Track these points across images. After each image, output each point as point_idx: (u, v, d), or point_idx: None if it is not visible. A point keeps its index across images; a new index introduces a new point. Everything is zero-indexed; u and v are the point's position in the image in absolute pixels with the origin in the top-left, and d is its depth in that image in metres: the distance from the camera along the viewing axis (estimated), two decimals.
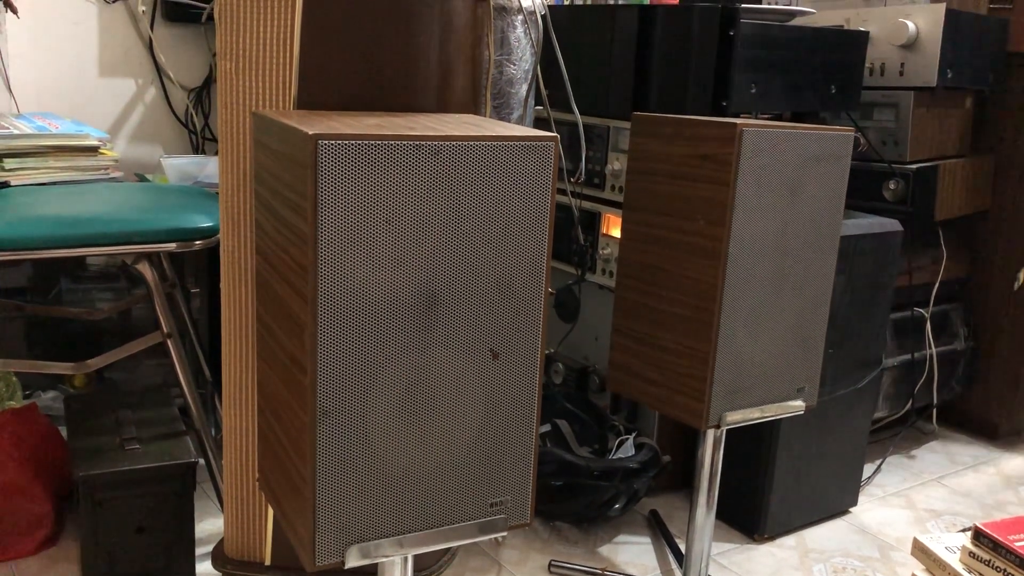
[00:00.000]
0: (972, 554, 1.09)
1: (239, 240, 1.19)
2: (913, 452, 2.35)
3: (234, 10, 1.11)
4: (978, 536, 1.09)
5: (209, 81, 2.38)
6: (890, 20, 2.07)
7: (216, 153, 2.39)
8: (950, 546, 1.11)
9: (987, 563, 1.07)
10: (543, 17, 1.49)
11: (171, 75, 2.33)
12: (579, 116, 1.84)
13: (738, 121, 1.33)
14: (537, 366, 1.03)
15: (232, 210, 1.18)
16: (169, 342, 1.62)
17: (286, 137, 0.93)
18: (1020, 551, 1.04)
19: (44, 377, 2.07)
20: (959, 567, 1.08)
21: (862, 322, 1.88)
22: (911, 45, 2.06)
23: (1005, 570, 1.05)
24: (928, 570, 1.12)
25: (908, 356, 2.21)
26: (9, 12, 2.07)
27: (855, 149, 2.11)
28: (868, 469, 2.07)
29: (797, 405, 1.52)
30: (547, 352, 2.12)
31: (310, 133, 0.86)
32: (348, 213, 0.89)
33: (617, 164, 1.88)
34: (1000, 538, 1.06)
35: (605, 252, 1.93)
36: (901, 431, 2.33)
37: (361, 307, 0.92)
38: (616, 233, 1.89)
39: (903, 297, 2.17)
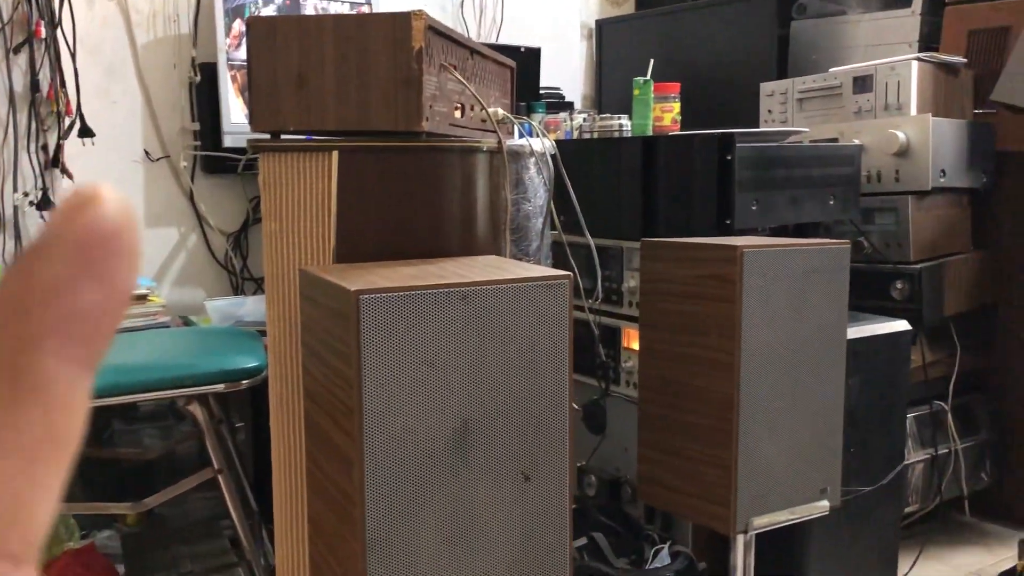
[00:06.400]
0: None
1: (287, 384, 1.30)
2: (949, 544, 2.36)
3: (277, 178, 1.25)
4: None
5: (246, 225, 2.55)
6: (881, 132, 2.20)
7: (254, 293, 2.53)
8: None
9: None
10: (553, 157, 1.62)
11: (211, 222, 2.49)
12: (592, 240, 1.96)
13: (738, 242, 1.44)
14: (567, 484, 1.11)
15: (280, 355, 1.29)
16: (220, 477, 1.71)
17: (330, 292, 1.05)
18: None
19: (99, 516, 2.15)
20: None
21: (881, 420, 1.94)
22: (904, 153, 2.18)
23: None
24: None
25: (932, 450, 2.25)
26: (65, 177, 2.25)
27: (860, 252, 2.21)
28: (905, 565, 2.09)
29: (822, 506, 1.57)
30: (579, 465, 2.18)
31: (351, 289, 0.97)
32: (388, 357, 1.00)
33: (633, 281, 1.98)
34: None
35: (627, 365, 2.02)
36: (934, 524, 2.35)
37: (404, 443, 1.01)
38: (636, 347, 1.98)
39: (922, 392, 2.23)
